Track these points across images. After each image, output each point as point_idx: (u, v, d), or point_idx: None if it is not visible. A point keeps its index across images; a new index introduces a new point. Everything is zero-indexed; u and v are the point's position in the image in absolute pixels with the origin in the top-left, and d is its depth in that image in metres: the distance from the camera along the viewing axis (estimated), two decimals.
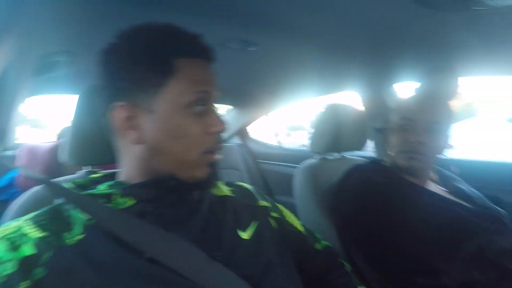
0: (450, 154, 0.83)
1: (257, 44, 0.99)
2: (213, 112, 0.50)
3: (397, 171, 0.80)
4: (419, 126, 0.74)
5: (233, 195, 0.60)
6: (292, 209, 1.02)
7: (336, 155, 1.09)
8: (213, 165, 0.50)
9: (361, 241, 0.71)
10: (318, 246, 0.68)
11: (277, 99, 1.83)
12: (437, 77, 0.79)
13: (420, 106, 0.76)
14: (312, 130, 1.07)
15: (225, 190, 0.61)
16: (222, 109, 2.21)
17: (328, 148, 1.03)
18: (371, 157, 1.01)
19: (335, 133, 1.00)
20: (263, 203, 0.63)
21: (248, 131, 2.43)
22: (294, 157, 1.94)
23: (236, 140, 2.34)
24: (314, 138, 1.07)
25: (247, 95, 1.79)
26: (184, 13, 0.76)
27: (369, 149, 1.45)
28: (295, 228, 0.66)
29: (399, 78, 1.26)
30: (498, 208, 0.79)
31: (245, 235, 0.53)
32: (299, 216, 1.00)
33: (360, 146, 1.09)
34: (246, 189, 0.65)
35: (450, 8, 0.67)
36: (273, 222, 0.61)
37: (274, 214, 0.63)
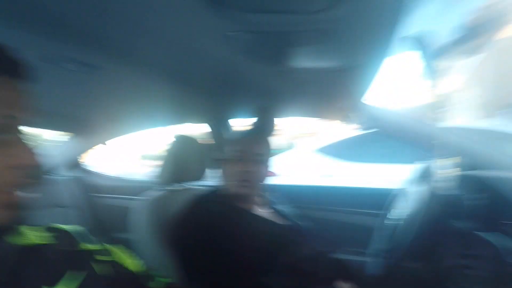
0: (272, 180, 1.00)
1: (96, 67, 0.90)
2: (20, 141, 0.41)
3: (230, 199, 0.89)
4: (247, 157, 0.87)
5: (45, 243, 0.49)
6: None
7: (178, 185, 1.10)
8: (15, 206, 0.41)
9: (198, 270, 0.74)
10: (153, 285, 0.65)
11: (118, 127, 1.69)
12: (261, 116, 0.97)
13: (248, 140, 0.90)
14: (159, 161, 1.06)
15: (33, 237, 0.49)
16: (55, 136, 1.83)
17: (172, 179, 1.03)
18: (211, 187, 1.08)
19: (179, 164, 1.03)
20: (87, 246, 0.55)
21: (83, 161, 2.09)
22: (137, 188, 1.81)
23: (68, 173, 1.96)
24: (161, 168, 1.05)
25: (84, 121, 1.56)
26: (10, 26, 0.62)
27: (210, 179, 1.55)
28: (126, 269, 0.61)
29: (235, 114, 1.45)
30: (300, 222, 1.01)
31: None
32: (139, 253, 0.94)
33: (199, 176, 1.15)
34: (65, 231, 0.55)
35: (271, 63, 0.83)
36: (98, 267, 0.54)
37: (100, 257, 0.56)
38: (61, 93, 1.10)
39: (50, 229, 0.53)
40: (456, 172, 1.14)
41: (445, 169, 0.79)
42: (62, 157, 1.84)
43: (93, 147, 1.94)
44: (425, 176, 0.83)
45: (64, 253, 0.50)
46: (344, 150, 3.01)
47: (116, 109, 1.39)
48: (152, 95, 1.22)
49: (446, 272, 0.78)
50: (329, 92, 1.05)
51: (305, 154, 3.09)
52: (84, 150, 1.90)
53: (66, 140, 1.83)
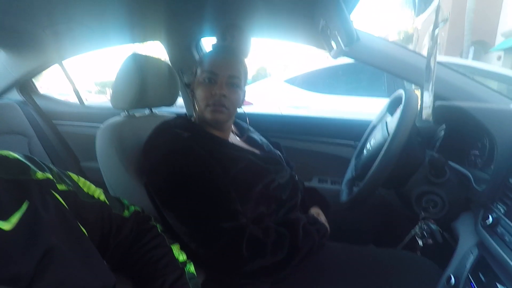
0: (246, 108, 0.94)
1: None
2: None
3: (202, 125, 0.83)
4: (221, 80, 0.78)
5: None
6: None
7: (145, 111, 1.01)
8: None
9: (169, 198, 0.71)
10: (125, 214, 0.63)
11: (65, 44, 1.46)
12: (234, 34, 0.85)
13: (222, 61, 0.80)
14: (114, 84, 0.93)
15: None
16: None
17: (134, 104, 0.93)
18: (179, 113, 1.01)
19: (141, 88, 0.92)
20: (43, 175, 0.48)
21: (33, 84, 1.86)
22: (100, 115, 1.69)
23: (16, 96, 1.75)
24: (117, 93, 0.94)
25: (17, 33, 1.32)
26: None
27: (180, 104, 1.46)
28: (94, 198, 0.57)
29: (203, 33, 1.30)
30: (277, 151, 1.00)
31: (6, 225, 0.39)
32: (106, 182, 0.90)
33: (171, 101, 1.06)
34: (15, 159, 0.47)
35: None
36: (59, 197, 0.49)
37: (61, 187, 0.51)
38: None
39: None
40: (429, 102, 1.15)
41: (427, 98, 0.78)
42: (6, 77, 1.61)
43: (44, 68, 1.72)
44: (398, 106, 0.81)
45: (16, 183, 0.44)
46: (319, 80, 3.00)
47: (60, 21, 1.17)
48: (100, 6, 1.03)
49: (414, 198, 0.83)
50: (306, 7, 0.93)
51: (280, 84, 3.02)
52: (32, 70, 1.68)
53: (3, 57, 1.58)
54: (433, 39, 0.64)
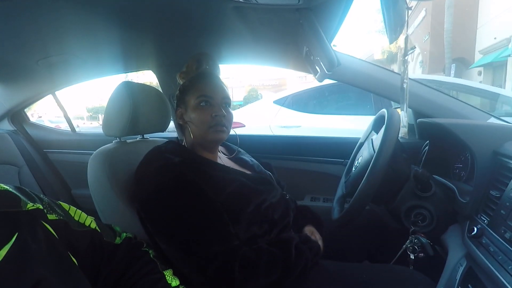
0: (238, 130, 0.97)
1: None
2: None
3: (194, 149, 0.85)
4: (217, 102, 0.83)
5: None
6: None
7: (136, 138, 1.03)
8: None
9: (161, 225, 0.71)
10: (117, 240, 0.63)
11: (58, 75, 1.49)
12: (208, 61, 0.90)
13: (214, 85, 0.85)
14: (106, 112, 0.96)
15: None
16: None
17: (126, 131, 0.95)
18: (171, 137, 1.02)
19: (133, 115, 0.94)
20: (33, 206, 0.48)
21: (25, 114, 1.88)
22: (91, 142, 1.69)
23: (7, 126, 1.76)
24: (109, 120, 0.96)
25: (10, 66, 1.35)
26: None
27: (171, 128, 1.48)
28: (86, 226, 0.58)
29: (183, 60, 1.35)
30: (268, 172, 1.02)
31: None
32: (98, 209, 0.89)
33: (163, 127, 1.08)
34: (5, 191, 0.47)
35: None
36: (49, 227, 0.49)
37: (52, 217, 0.51)
38: None
39: None
40: (413, 119, 1.20)
41: (404, 117, 0.81)
42: (1, 109, 1.62)
43: (37, 99, 1.74)
44: (383, 124, 0.85)
45: (7, 215, 0.44)
46: (307, 101, 3.10)
47: (53, 53, 1.20)
48: (93, 38, 1.07)
49: (403, 213, 0.85)
50: (289, 35, 0.99)
51: (269, 105, 3.10)
52: (25, 101, 1.69)
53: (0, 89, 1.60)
54: (404, 64, 0.69)
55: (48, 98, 1.79)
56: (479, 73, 12.21)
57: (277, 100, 3.07)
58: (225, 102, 0.85)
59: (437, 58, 13.08)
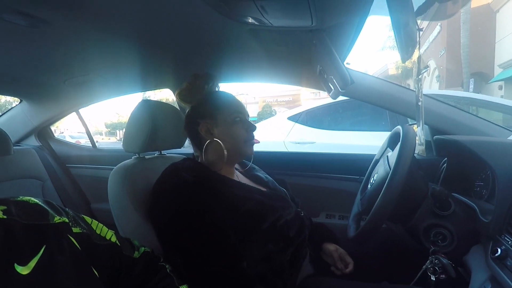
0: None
1: (47, 22, 0.80)
2: None
3: (207, 166, 0.86)
4: (245, 118, 0.88)
5: (6, 217, 0.45)
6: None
7: (154, 154, 1.06)
8: None
9: (176, 241, 0.73)
10: (136, 255, 0.64)
11: (83, 94, 1.58)
12: (214, 81, 0.93)
13: (239, 102, 0.90)
14: (126, 129, 1.00)
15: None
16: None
17: (145, 148, 0.99)
18: (187, 155, 1.05)
19: (152, 132, 0.98)
20: (59, 219, 0.51)
21: (50, 130, 1.97)
22: (112, 158, 1.75)
23: (33, 142, 1.85)
24: (129, 137, 1.00)
25: (39, 86, 1.44)
26: None
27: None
28: (107, 240, 0.59)
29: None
30: (283, 188, 1.02)
31: (25, 270, 0.41)
32: (117, 223, 0.92)
33: (180, 144, 1.11)
34: (35, 204, 0.50)
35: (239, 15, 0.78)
36: (74, 240, 0.51)
37: (76, 230, 0.53)
38: (9, 52, 0.99)
39: (13, 203, 0.48)
40: (431, 136, 1.18)
41: (420, 134, 0.81)
42: (26, 125, 1.72)
43: (62, 116, 1.83)
44: (399, 141, 0.84)
45: (35, 228, 0.46)
46: (322, 117, 3.08)
47: (78, 74, 1.28)
48: (115, 58, 1.13)
49: (422, 232, 0.82)
50: (303, 54, 1.01)
51: (283, 122, 3.10)
52: (51, 118, 1.79)
53: (24, 107, 1.70)
54: (418, 83, 0.69)
55: (70, 115, 1.89)
56: (500, 87, 11.85)
57: (292, 117, 3.08)
58: (249, 118, 0.89)
59: (454, 72, 12.85)
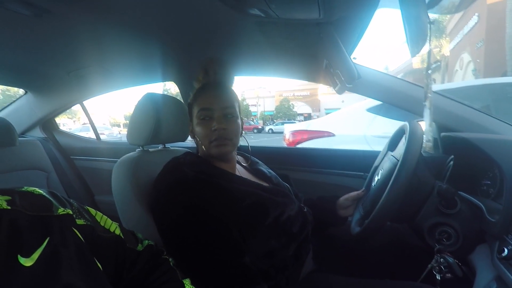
0: (327, 140, 0.96)
1: (50, 12, 0.79)
2: None
3: (210, 160, 0.84)
4: (217, 114, 0.79)
5: (10, 207, 0.44)
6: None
7: (158, 147, 1.06)
8: None
9: (177, 235, 0.72)
10: (139, 248, 0.64)
11: (87, 86, 1.57)
12: (215, 69, 0.85)
13: (213, 96, 0.81)
14: (130, 122, 1.00)
15: (2, 202, 0.44)
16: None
17: (149, 141, 0.99)
18: (191, 149, 1.04)
19: (156, 125, 0.97)
20: (64, 211, 0.50)
21: (55, 122, 1.98)
22: (116, 151, 1.76)
23: (38, 134, 1.86)
24: (133, 130, 1.00)
25: (44, 77, 1.44)
26: None
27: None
28: (111, 232, 0.59)
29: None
30: (286, 184, 1.01)
31: (28, 261, 0.41)
32: (120, 215, 0.92)
33: (183, 137, 1.11)
34: (39, 195, 0.50)
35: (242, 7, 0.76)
36: (77, 232, 0.50)
37: (80, 222, 0.53)
38: (10, 42, 0.99)
39: (17, 193, 0.48)
40: (438, 133, 1.16)
41: (428, 130, 0.79)
42: (30, 116, 1.72)
43: (66, 108, 1.84)
44: (407, 135, 0.82)
45: (40, 219, 0.46)
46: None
47: (81, 66, 1.27)
48: (120, 50, 1.13)
49: (427, 230, 0.81)
50: (309, 48, 1.00)
51: (361, 113, 2.71)
52: (55, 110, 1.79)
53: (29, 98, 1.70)
54: (428, 78, 0.68)
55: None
56: None
57: (371, 108, 2.69)
58: (227, 113, 0.80)
59: (492, 65, 11.66)
